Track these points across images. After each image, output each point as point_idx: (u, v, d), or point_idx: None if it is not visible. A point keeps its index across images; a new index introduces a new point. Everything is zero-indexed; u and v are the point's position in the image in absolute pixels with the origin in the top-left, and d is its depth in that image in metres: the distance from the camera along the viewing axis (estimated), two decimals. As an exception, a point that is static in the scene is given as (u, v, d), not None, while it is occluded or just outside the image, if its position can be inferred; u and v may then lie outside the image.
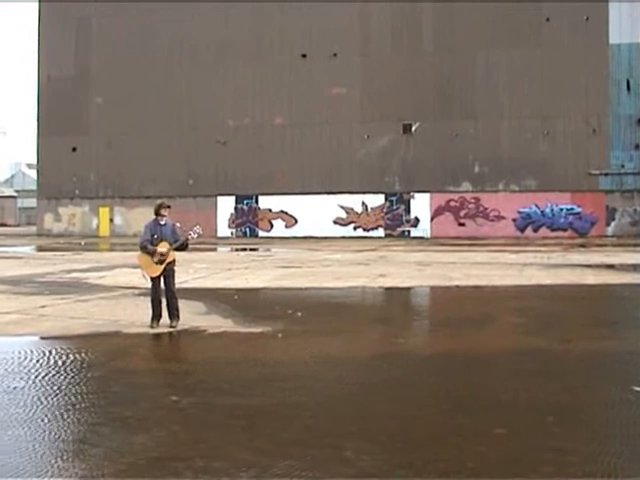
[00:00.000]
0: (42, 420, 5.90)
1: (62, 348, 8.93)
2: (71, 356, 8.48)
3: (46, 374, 7.53)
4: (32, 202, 62.57)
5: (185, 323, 10.65)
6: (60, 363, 8.07)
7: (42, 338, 9.75)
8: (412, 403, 6.48)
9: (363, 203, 42.95)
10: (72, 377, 7.43)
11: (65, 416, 6.02)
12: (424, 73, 41.64)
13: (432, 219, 41.93)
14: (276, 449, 5.21)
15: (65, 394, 6.73)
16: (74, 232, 48.41)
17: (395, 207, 42.53)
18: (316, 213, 42.93)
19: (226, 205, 45.30)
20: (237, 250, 32.90)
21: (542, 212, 40.41)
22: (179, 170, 45.28)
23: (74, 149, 48.20)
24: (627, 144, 39.67)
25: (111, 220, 48.13)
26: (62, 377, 7.41)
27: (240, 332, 10.28)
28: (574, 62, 39.53)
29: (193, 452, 5.15)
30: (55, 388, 6.94)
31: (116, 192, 47.50)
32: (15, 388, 6.93)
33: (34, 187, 56.69)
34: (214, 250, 32.41)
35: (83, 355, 8.53)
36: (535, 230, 40.37)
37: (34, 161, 55.12)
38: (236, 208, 45.32)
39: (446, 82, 41.23)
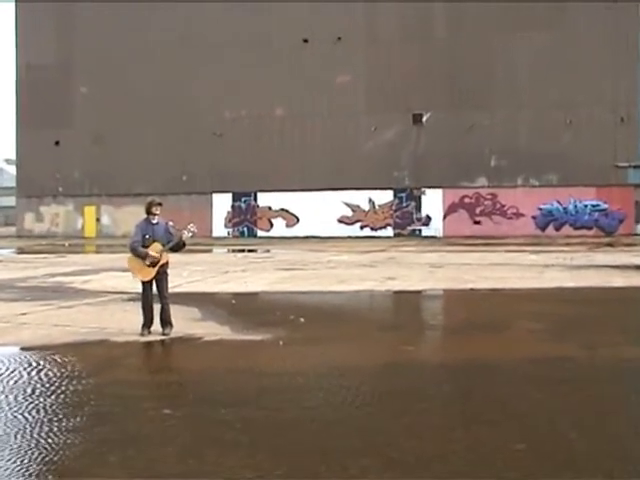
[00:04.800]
0: (23, 438, 5.93)
1: (44, 359, 8.95)
2: (54, 367, 8.50)
3: (27, 387, 7.56)
4: (11, 201, 62.68)
5: (179, 330, 10.68)
6: (42, 375, 8.10)
7: (23, 348, 9.78)
8: (423, 416, 6.50)
9: (370, 200, 42.96)
10: (56, 390, 7.45)
11: (48, 433, 6.04)
12: (436, 59, 41.64)
13: (445, 217, 41.93)
14: (277, 466, 5.23)
15: (48, 409, 6.75)
16: (57, 233, 48.48)
17: (405, 204, 42.54)
18: (319, 211, 42.97)
19: (222, 203, 45.35)
20: (234, 251, 32.91)
21: (565, 209, 40.38)
22: (171, 165, 45.32)
23: (57, 143, 48.26)
24: (658, 134, 39.62)
25: (98, 220, 48.20)
26: (44, 390, 7.43)
27: (238, 340, 10.31)
28: (600, 44, 39.43)
29: (188, 469, 5.17)
30: (37, 403, 6.97)
31: (103, 190, 47.56)
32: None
33: (13, 184, 56.74)
34: (210, 251, 32.42)
35: (67, 366, 8.56)
36: (557, 228, 40.35)
37: (13, 156, 55.20)
38: (233, 206, 45.36)
39: (460, 69, 41.22)
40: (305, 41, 43.58)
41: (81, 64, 47.70)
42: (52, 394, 7.28)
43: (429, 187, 41.96)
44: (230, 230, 45.47)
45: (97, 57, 46.91)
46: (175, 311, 10.98)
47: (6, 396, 7.17)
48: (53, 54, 48.52)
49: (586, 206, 40.17)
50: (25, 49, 49.28)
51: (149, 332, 10.53)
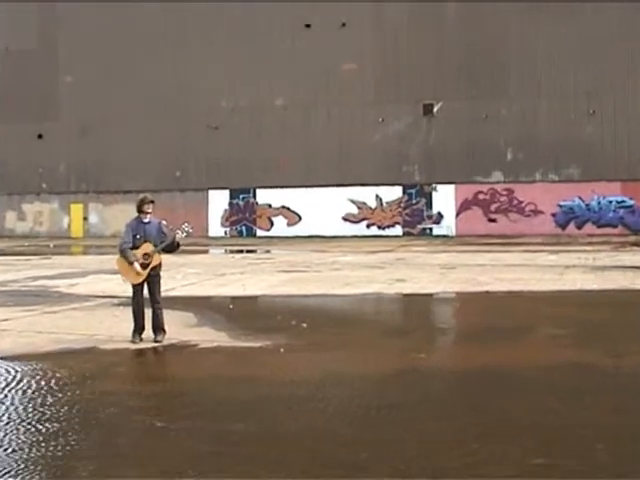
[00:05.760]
0: (4, 458, 5.92)
1: (27, 368, 8.96)
2: (38, 378, 8.50)
3: (8, 400, 7.55)
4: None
5: (172, 337, 10.69)
6: (24, 387, 8.09)
7: (2, 358, 9.75)
8: (434, 428, 6.50)
9: (377, 197, 42.94)
10: (39, 403, 7.44)
11: (33, 450, 6.03)
12: (448, 45, 41.57)
13: (457, 215, 41.88)
14: (278, 481, 5.25)
15: (31, 423, 6.74)
16: (41, 233, 48.48)
17: (414, 201, 42.51)
18: (323, 209, 42.92)
19: (219, 200, 45.33)
20: (232, 252, 32.94)
21: (587, 205, 40.31)
22: (164, 160, 45.30)
23: (40, 136, 48.22)
24: (688, 124, 39.48)
25: (85, 219, 48.21)
26: (27, 403, 7.43)
27: (236, 347, 10.32)
28: (625, 27, 39.19)
29: (182, 485, 5.19)
30: (19, 417, 6.96)
31: (91, 186, 47.57)
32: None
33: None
34: (206, 252, 32.49)
35: (52, 376, 8.56)
36: (579, 227, 40.27)
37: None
38: (231, 204, 45.35)
39: (474, 55, 41.14)
40: (307, 26, 43.52)
41: (65, 50, 47.59)
42: (36, 406, 7.28)
43: (440, 183, 41.90)
44: (227, 229, 45.45)
45: (83, 43, 46.75)
46: (168, 316, 10.99)
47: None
48: (35, 38, 48.35)
49: (610, 202, 40.07)
50: (4, 32, 49.11)
51: (141, 339, 10.53)
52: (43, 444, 6.08)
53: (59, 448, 5.98)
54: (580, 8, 39.63)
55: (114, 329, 11.52)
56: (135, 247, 10.47)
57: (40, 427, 6.55)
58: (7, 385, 8.12)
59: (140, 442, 6.25)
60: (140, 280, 10.53)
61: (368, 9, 42.79)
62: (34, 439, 6.22)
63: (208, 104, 44.69)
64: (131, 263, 10.38)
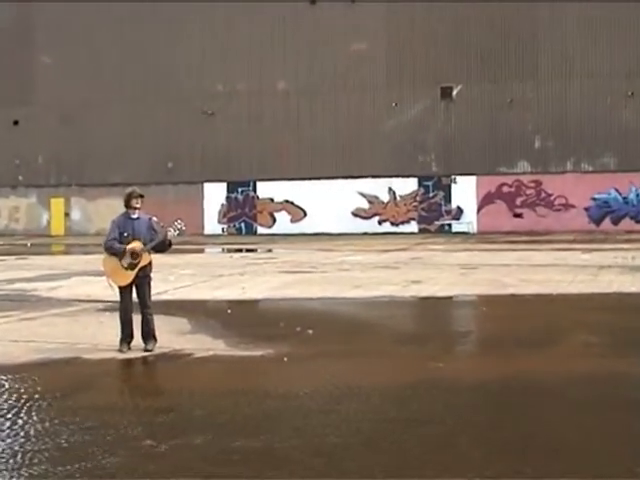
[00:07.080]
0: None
1: (1, 381, 8.97)
2: (13, 391, 8.50)
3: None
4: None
5: (164, 345, 10.70)
6: None
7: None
8: (455, 446, 6.48)
9: (390, 190, 42.93)
10: (15, 419, 7.44)
11: (9, 472, 6.03)
12: (469, 22, 41.45)
13: (479, 209, 41.86)
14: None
15: (6, 442, 6.74)
16: (18, 230, 48.58)
17: (431, 194, 42.49)
18: (330, 203, 42.93)
19: (215, 194, 45.38)
20: (230, 251, 32.99)
21: (624, 198, 40.24)
22: (154, 150, 45.34)
23: (15, 122, 48.28)
24: None
25: (66, 214, 48.30)
26: (1, 419, 7.44)
27: (234, 356, 10.33)
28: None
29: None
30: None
31: (73, 179, 47.63)
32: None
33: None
34: (201, 251, 32.55)
35: (30, 389, 8.56)
36: (615, 222, 40.21)
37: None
38: (228, 198, 45.39)
39: (497, 32, 41.04)
40: (313, 3, 43.50)
41: (42, 29, 47.57)
42: (11, 423, 7.28)
43: (460, 174, 41.87)
44: (225, 226, 45.51)
45: (62, 21, 46.76)
46: (160, 322, 10.99)
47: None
48: (8, 16, 48.36)
49: (651, 195, 40.03)
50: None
51: (129, 348, 10.54)
52: (17, 466, 6.06)
53: (35, 471, 5.97)
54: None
55: (99, 337, 11.53)
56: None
57: (12, 445, 6.54)
58: (-19, 399, 8.14)
59: (128, 463, 6.23)
60: (128, 282, 10.53)
61: (380, -18, 42.71)
62: (4, 460, 6.21)
63: (203, 88, 44.71)
64: (124, 252, 10.34)
